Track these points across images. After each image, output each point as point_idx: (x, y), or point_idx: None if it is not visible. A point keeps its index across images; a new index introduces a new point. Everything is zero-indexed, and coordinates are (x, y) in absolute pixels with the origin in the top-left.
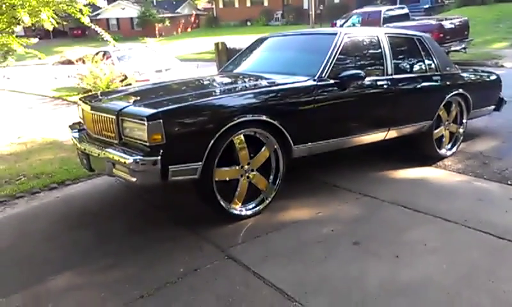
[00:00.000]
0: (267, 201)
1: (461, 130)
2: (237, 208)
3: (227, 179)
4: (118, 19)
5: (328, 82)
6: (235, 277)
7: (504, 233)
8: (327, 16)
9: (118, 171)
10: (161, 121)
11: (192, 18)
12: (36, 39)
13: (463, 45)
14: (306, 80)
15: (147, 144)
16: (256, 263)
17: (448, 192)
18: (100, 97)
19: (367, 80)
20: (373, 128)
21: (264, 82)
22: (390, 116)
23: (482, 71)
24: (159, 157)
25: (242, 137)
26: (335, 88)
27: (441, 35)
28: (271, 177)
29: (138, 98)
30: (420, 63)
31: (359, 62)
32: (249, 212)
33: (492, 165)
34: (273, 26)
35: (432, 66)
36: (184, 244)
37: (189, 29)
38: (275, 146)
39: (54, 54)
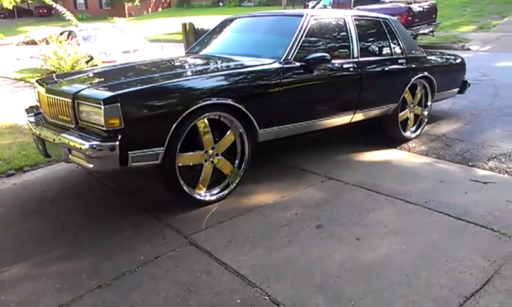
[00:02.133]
0: (232, 186)
1: (425, 113)
2: (201, 194)
3: (191, 164)
4: None
5: (293, 65)
6: (197, 264)
7: (463, 214)
8: None
9: (75, 157)
10: (119, 104)
11: None
12: None
13: (431, 28)
14: (271, 63)
15: (104, 128)
16: (219, 249)
17: (411, 174)
18: (56, 79)
19: (333, 63)
20: (339, 111)
21: (229, 65)
22: (356, 99)
23: (448, 55)
24: (117, 142)
25: (206, 121)
26: (301, 71)
27: (410, 18)
28: (236, 162)
29: (96, 80)
30: (386, 46)
31: (325, 45)
32: (213, 197)
33: (454, 147)
34: (245, 7)
35: (398, 49)
36: (146, 231)
37: (160, 9)
38: (240, 130)
39: (18, 33)
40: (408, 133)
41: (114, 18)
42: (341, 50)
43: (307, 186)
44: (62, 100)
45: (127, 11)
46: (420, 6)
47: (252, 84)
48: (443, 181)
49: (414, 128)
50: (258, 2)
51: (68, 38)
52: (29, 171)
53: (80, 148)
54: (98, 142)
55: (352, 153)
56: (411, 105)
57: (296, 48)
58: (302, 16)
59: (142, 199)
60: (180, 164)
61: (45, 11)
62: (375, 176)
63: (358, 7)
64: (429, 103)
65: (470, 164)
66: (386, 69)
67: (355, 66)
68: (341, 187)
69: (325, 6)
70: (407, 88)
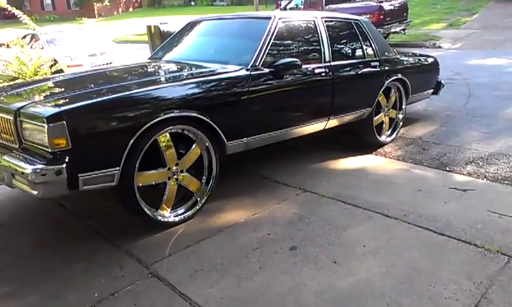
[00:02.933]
0: (200, 205)
1: (400, 116)
2: (166, 215)
3: (153, 183)
4: None
5: (262, 72)
6: (159, 300)
7: (444, 228)
8: None
9: (18, 182)
10: (64, 122)
11: None
12: None
13: (403, 27)
14: (238, 70)
15: (49, 150)
16: (183, 280)
17: (387, 182)
18: (1, 92)
19: (304, 68)
20: (312, 118)
21: (193, 73)
22: (329, 105)
23: (420, 55)
24: (64, 165)
25: (167, 135)
26: (270, 77)
27: (382, 17)
28: (204, 177)
29: (44, 93)
30: (359, 48)
31: (295, 49)
32: (177, 218)
33: (431, 150)
34: (218, 6)
35: (371, 51)
36: (103, 261)
37: (130, 9)
38: (206, 144)
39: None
40: (383, 138)
41: (83, 19)
42: (312, 54)
43: (281, 200)
44: (3, 117)
45: (96, 12)
46: (391, 5)
47: (218, 94)
48: (422, 190)
49: (389, 132)
50: (230, 2)
51: (31, 42)
52: None
53: (22, 173)
54: (42, 166)
55: (327, 160)
56: (386, 109)
57: (264, 53)
58: (270, 18)
59: (101, 221)
60: (140, 184)
61: (12, 13)
62: (351, 186)
63: (330, 6)
64: (403, 106)
65: (447, 169)
66: (360, 72)
67: (327, 70)
68: (316, 200)
69: (297, 6)
70: (381, 91)
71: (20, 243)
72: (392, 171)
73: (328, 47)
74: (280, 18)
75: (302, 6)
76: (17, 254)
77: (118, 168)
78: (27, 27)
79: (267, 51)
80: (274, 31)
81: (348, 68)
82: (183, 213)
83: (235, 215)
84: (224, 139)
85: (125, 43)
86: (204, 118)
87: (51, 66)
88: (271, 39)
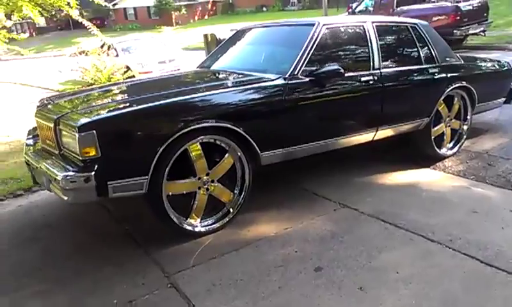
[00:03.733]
0: (231, 216)
1: (464, 127)
2: (194, 224)
3: (184, 192)
4: (135, 8)
5: (301, 81)
6: None
7: (494, 257)
8: None
9: (54, 187)
10: (94, 131)
11: (210, 5)
12: (27, 35)
13: (482, 28)
14: (275, 79)
15: (80, 158)
16: (200, 294)
17: (441, 201)
18: (49, 101)
19: (349, 76)
20: (357, 128)
21: (227, 83)
22: (377, 115)
23: (492, 60)
24: (93, 173)
25: (198, 145)
26: (311, 86)
27: (458, 18)
28: (237, 188)
29: (85, 102)
30: (415, 54)
31: (340, 57)
32: (206, 228)
33: (497, 166)
34: (288, 12)
35: (429, 57)
36: (129, 267)
37: (206, 17)
38: (239, 154)
39: (71, 45)
40: (443, 151)
41: (162, 27)
42: (359, 61)
43: (316, 215)
44: (46, 125)
45: (174, 20)
46: (469, 4)
47: (252, 104)
48: (478, 211)
49: (451, 145)
50: (301, 6)
51: (108, 50)
52: (37, 192)
53: (55, 179)
54: (72, 173)
55: (376, 174)
56: (447, 119)
57: (303, 61)
58: (313, 25)
59: (138, 227)
60: (170, 193)
61: (99, 22)
62: (398, 204)
63: (401, 8)
64: (468, 117)
65: None
66: (414, 80)
67: (375, 78)
68: (355, 217)
69: (367, 8)
70: (441, 100)
71: (62, 245)
72: (448, 188)
73: (378, 53)
74: (324, 25)
75: (372, 8)
76: (57, 254)
77: (146, 177)
78: (112, 35)
79: (307, 59)
80: (316, 38)
81: (401, 75)
82: (213, 223)
83: (266, 228)
84: (257, 150)
85: (193, 50)
86: (236, 129)
87: (124, 73)
88: (312, 47)
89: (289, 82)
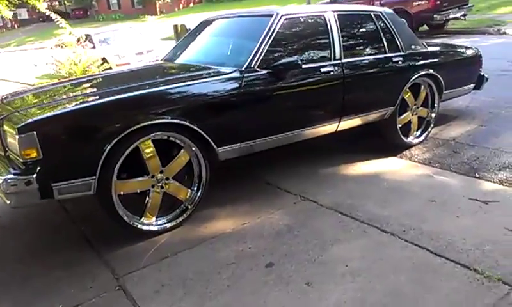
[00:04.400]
0: (188, 213)
1: (432, 115)
2: (149, 223)
3: (137, 191)
4: None
5: (258, 73)
6: None
7: (444, 248)
8: None
9: None
10: (35, 132)
11: None
12: None
13: (463, 12)
14: (231, 72)
15: (21, 160)
16: (148, 295)
17: (400, 191)
18: (2, 99)
19: (308, 67)
20: (319, 120)
21: (183, 76)
22: (339, 106)
23: (459, 47)
24: (34, 176)
25: (150, 142)
26: (268, 79)
27: (438, 2)
28: (195, 185)
29: (34, 101)
30: (378, 43)
31: (300, 48)
32: (161, 227)
33: (463, 153)
34: None
35: (394, 45)
36: (79, 270)
37: (191, 4)
38: (194, 150)
39: (53, 37)
40: (410, 139)
41: (146, 17)
42: (320, 52)
43: (276, 209)
44: None
45: (158, 9)
46: None
47: (207, 99)
48: (435, 200)
49: (418, 133)
50: None
51: (85, 41)
52: None
53: None
54: (13, 176)
55: (341, 164)
56: (414, 107)
57: (260, 54)
58: (271, 16)
59: (93, 227)
60: (121, 193)
61: (81, 12)
62: (358, 195)
63: None
64: (436, 104)
65: (477, 175)
66: (378, 69)
67: (336, 68)
68: (313, 210)
69: None
70: (406, 89)
71: (14, 247)
72: (411, 177)
73: (339, 43)
74: (283, 16)
75: None
76: (7, 258)
77: (94, 177)
78: (95, 26)
79: (264, 51)
80: (274, 29)
81: (363, 65)
82: (168, 221)
83: (223, 225)
84: (214, 146)
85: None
86: (189, 125)
87: (100, 65)
88: (270, 38)
89: (245, 75)
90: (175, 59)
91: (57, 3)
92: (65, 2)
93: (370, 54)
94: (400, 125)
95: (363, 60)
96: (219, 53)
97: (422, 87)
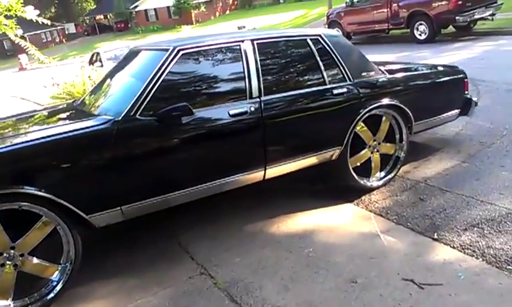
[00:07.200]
0: (54, 293)
1: (402, 151)
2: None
3: None
4: (155, 9)
5: (139, 123)
6: None
7: None
8: None
9: None
10: None
11: (231, 0)
12: None
13: (490, 11)
14: (101, 124)
15: None
16: None
17: (321, 263)
18: None
19: (213, 110)
20: (233, 170)
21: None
22: (260, 153)
23: (434, 67)
24: None
25: None
26: (153, 129)
27: (460, 2)
28: (63, 259)
29: None
30: (314, 73)
31: (202, 88)
32: None
33: (429, 202)
34: (305, 2)
35: (336, 74)
36: None
37: (227, 12)
38: (58, 222)
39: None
40: (371, 181)
41: (182, 27)
42: (231, 91)
43: (163, 288)
44: None
45: (194, 18)
46: None
47: (68, 159)
48: (357, 281)
49: (382, 174)
50: None
51: (95, 59)
52: None
53: None
54: None
55: (278, 215)
56: (374, 144)
57: (145, 98)
58: (166, 51)
59: None
60: None
61: (123, 25)
62: (266, 268)
63: None
64: (404, 138)
65: (435, 235)
66: (313, 104)
67: (252, 109)
68: (203, 292)
69: None
70: (357, 123)
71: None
72: (350, 238)
73: (257, 77)
74: (180, 50)
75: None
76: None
77: None
78: (133, 38)
79: (151, 95)
80: (166, 68)
81: (290, 101)
82: (29, 304)
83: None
84: (82, 214)
85: None
86: (45, 195)
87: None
88: (159, 78)
89: (120, 126)
90: (85, 102)
91: (102, 16)
92: (110, 15)
93: (302, 87)
94: (356, 165)
95: (291, 95)
96: (109, 97)
97: (384, 119)
